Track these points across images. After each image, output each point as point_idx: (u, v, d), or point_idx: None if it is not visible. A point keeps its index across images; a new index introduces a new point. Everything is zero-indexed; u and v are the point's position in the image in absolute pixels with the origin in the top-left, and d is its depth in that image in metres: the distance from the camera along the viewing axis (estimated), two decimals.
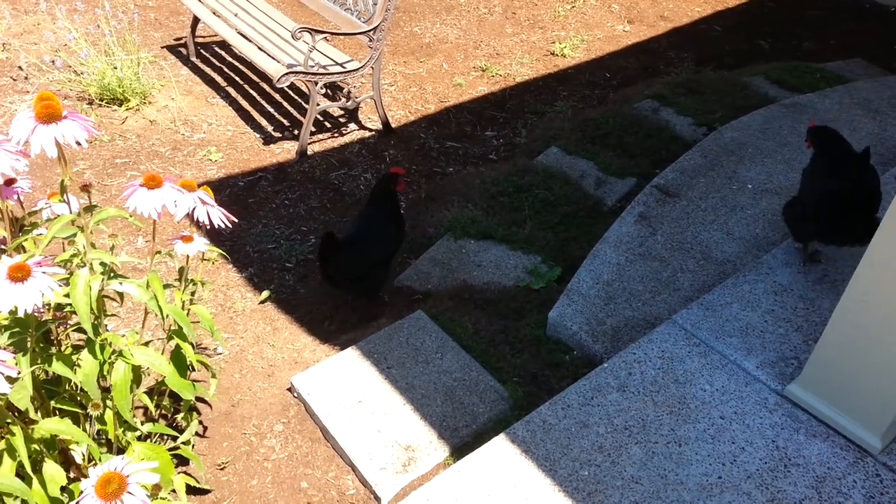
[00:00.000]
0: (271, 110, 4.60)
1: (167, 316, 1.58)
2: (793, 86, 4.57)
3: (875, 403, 1.88)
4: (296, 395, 2.45)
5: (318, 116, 4.53)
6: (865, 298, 1.81)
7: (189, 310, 1.87)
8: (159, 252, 1.71)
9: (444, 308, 2.83)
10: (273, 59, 4.10)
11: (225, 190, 3.82)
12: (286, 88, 4.74)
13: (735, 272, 2.78)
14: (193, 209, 1.75)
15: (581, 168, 3.81)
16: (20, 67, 4.65)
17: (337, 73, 4.06)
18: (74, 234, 1.44)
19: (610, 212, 3.53)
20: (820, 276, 2.47)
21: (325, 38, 4.07)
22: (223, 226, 1.85)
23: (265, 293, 3.04)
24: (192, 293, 1.95)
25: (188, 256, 1.75)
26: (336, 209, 3.77)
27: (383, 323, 2.83)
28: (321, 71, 4.01)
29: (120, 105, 4.39)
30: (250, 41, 4.32)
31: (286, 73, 3.84)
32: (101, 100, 4.39)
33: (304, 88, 3.97)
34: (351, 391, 2.37)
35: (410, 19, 5.90)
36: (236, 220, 2.02)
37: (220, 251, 2.08)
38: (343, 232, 2.88)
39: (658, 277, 2.78)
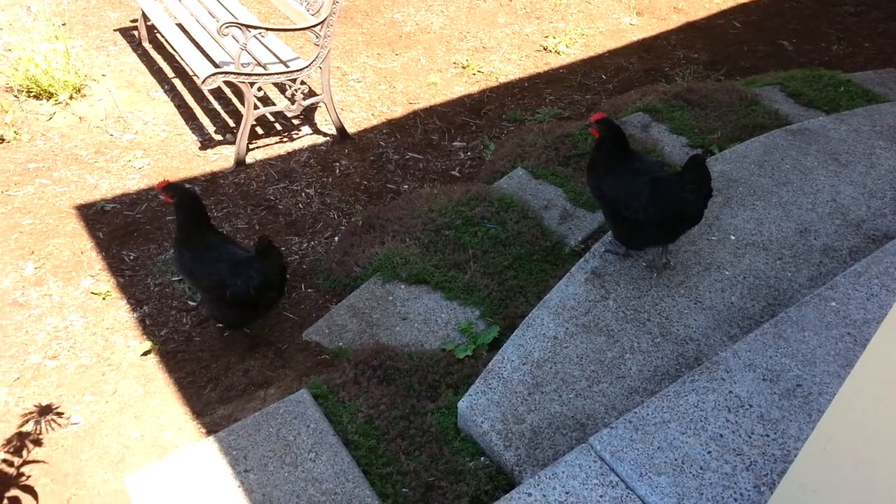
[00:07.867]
0: (217, 107, 4.14)
1: None
2: (810, 100, 3.95)
3: None
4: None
5: (269, 117, 4.07)
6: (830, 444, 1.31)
7: None
8: None
9: (343, 381, 2.37)
10: (206, 55, 3.63)
11: (141, 204, 3.39)
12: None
13: (696, 357, 2.28)
14: None
15: (547, 196, 3.29)
16: None
17: (277, 74, 3.57)
18: None
19: (571, 254, 3.02)
20: (792, 385, 1.95)
21: (261, 33, 3.57)
22: None
23: (148, 345, 2.62)
24: None
25: None
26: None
27: (271, 394, 2.40)
28: (258, 71, 3.53)
29: (48, 99, 3.97)
30: (187, 33, 3.85)
31: (213, 74, 3.36)
32: (29, 92, 3.97)
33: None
34: (192, 502, 1.95)
35: (393, 3, 5.35)
36: None
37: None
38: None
39: (601, 359, 2.29)
